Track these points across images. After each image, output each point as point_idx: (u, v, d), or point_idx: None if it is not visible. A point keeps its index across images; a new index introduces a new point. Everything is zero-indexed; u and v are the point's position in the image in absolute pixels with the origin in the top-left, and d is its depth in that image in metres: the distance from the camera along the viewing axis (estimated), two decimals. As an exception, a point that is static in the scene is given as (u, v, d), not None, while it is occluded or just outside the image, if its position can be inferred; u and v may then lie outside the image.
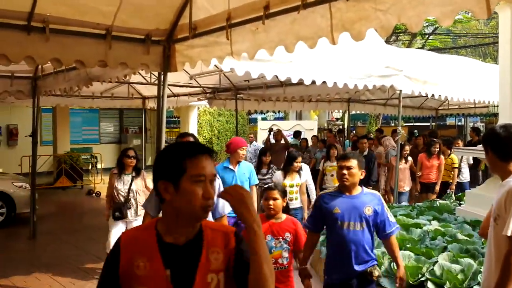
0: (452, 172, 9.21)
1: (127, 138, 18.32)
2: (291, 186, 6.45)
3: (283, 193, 3.86)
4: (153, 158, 19.74)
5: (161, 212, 1.77)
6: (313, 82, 6.29)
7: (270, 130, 11.85)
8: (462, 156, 9.83)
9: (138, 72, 7.93)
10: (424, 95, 8.18)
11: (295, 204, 6.39)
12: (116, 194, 5.97)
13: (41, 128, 15.41)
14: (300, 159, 6.55)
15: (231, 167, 5.80)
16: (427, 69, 8.16)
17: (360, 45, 6.35)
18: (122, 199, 5.95)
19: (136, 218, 5.99)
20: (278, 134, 11.34)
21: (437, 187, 8.92)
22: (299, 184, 6.55)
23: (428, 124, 25.05)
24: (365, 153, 9.29)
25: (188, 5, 4.34)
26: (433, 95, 8.09)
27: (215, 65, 6.66)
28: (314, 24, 3.43)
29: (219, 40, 4.15)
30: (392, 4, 2.96)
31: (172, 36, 4.70)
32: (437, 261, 4.31)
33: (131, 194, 5.97)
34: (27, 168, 12.32)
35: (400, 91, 7.53)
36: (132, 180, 6.03)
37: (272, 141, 11.45)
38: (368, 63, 6.99)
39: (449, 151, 9.36)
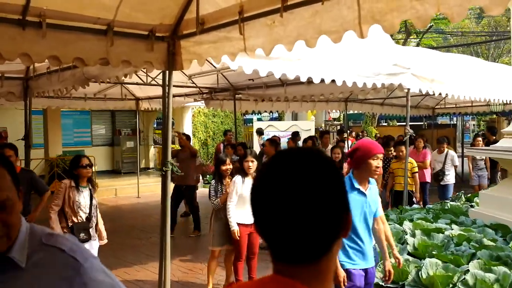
0: (414, 180, 8.67)
1: (120, 140, 17.97)
2: None
3: None
4: (146, 160, 19.45)
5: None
6: (322, 81, 6.02)
7: None
8: (445, 157, 9.69)
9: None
10: (432, 93, 7.94)
11: None
12: (76, 211, 5.21)
13: (31, 131, 15.05)
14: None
15: (361, 187, 3.83)
16: (433, 67, 7.93)
17: (368, 43, 6.15)
18: (84, 216, 5.25)
19: (95, 238, 5.42)
20: (181, 139, 9.62)
21: None
22: None
23: (422, 123, 24.97)
24: None
25: (195, -2, 4.05)
26: (440, 94, 7.87)
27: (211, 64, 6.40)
28: (339, 16, 3.13)
29: (230, 36, 3.85)
30: (430, -8, 2.68)
31: (177, 32, 4.38)
32: (468, 270, 4.05)
33: (93, 211, 5.33)
34: (17, 172, 11.95)
35: (408, 89, 7.31)
36: (91, 194, 5.37)
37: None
38: (376, 61, 6.74)
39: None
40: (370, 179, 3.90)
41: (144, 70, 7.67)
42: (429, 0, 2.68)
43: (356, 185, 3.80)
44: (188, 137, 10.39)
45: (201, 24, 4.05)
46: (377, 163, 3.72)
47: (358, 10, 3.03)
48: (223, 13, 3.87)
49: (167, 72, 4.59)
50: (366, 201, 3.83)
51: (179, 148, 9.93)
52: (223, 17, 3.88)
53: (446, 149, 10.16)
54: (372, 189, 3.93)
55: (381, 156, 3.77)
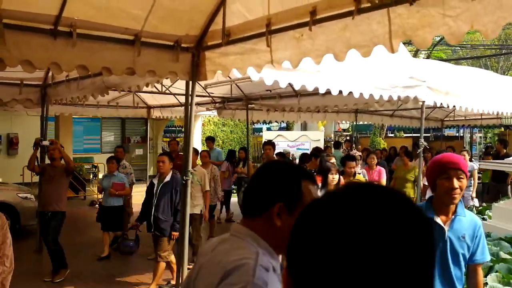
0: None
1: (129, 147, 18.00)
2: None
3: None
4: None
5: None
6: (340, 92, 6.04)
7: (38, 143, 7.72)
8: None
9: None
10: (446, 106, 7.94)
11: None
12: None
13: (46, 137, 15.15)
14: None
15: (438, 218, 2.77)
16: (447, 80, 7.94)
17: (385, 55, 6.17)
18: None
19: None
20: (54, 150, 7.19)
21: None
22: None
23: (429, 135, 24.98)
24: None
25: (221, 10, 4.10)
26: (454, 106, 7.88)
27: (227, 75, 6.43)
28: (368, 30, 3.17)
29: (256, 48, 3.89)
30: (464, 10, 2.68)
31: (202, 43, 4.43)
32: (487, 283, 4.05)
33: None
34: (29, 177, 12.01)
35: (423, 102, 7.31)
36: None
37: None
38: (393, 73, 6.75)
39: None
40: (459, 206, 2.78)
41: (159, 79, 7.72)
42: (463, 18, 2.70)
43: (430, 214, 2.71)
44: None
45: (227, 36, 4.09)
46: (449, 183, 2.65)
47: (388, 25, 3.05)
48: (249, 25, 3.92)
49: (190, 82, 4.63)
50: (446, 239, 2.72)
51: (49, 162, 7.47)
52: (250, 29, 3.92)
53: None
54: (463, 222, 2.75)
55: (457, 173, 2.66)
